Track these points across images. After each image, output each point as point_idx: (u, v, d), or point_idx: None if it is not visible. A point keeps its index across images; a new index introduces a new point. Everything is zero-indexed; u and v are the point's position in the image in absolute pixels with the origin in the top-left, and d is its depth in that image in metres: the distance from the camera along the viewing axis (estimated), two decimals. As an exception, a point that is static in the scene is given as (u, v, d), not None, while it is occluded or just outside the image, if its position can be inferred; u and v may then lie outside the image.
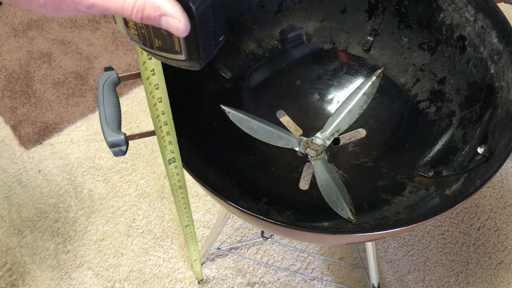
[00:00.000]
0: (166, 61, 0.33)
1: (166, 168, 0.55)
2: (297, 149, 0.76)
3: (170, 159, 0.54)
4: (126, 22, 0.31)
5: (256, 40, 0.78)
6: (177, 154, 0.53)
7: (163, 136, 0.50)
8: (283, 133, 0.76)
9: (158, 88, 0.44)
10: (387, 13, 0.75)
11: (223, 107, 0.74)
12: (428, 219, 0.51)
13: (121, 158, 1.17)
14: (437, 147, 0.69)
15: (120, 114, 0.55)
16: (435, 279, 1.01)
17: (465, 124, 0.66)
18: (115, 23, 0.32)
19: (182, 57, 0.31)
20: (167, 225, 1.07)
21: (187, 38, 0.29)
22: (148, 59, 0.41)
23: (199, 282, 1.00)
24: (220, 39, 0.32)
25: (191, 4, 0.28)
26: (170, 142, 0.51)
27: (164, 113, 0.47)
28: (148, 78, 0.43)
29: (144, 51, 0.39)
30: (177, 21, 0.28)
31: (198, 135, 0.69)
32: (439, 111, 0.71)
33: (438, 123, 0.70)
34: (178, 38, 0.30)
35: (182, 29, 0.28)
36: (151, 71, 0.42)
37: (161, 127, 0.48)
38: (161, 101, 0.45)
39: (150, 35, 0.31)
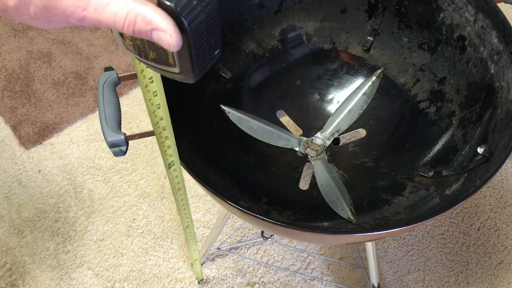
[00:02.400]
0: (161, 72, 0.32)
1: (167, 172, 0.55)
2: (297, 149, 0.76)
3: (170, 163, 0.54)
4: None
5: (256, 40, 0.78)
6: (176, 157, 0.53)
7: (163, 142, 0.50)
8: (283, 133, 0.76)
9: (156, 95, 0.44)
10: (387, 13, 0.75)
11: (223, 107, 0.74)
12: (428, 219, 0.51)
13: (121, 158, 1.17)
14: (437, 147, 0.69)
15: (120, 114, 0.55)
16: (435, 279, 1.01)
17: (465, 124, 0.66)
18: (111, 32, 0.32)
19: (176, 70, 0.31)
20: (167, 225, 1.07)
21: (180, 53, 0.29)
22: (146, 67, 0.41)
23: (199, 282, 1.00)
24: (216, 53, 0.31)
25: (183, 19, 0.27)
26: (169, 146, 0.51)
27: (162, 119, 0.47)
28: (146, 86, 0.42)
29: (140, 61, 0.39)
30: (168, 36, 0.27)
31: (198, 135, 0.69)
32: (439, 111, 0.71)
33: (438, 123, 0.70)
34: (172, 52, 0.29)
35: (174, 44, 0.27)
36: (149, 78, 0.42)
37: (160, 132, 0.48)
38: (159, 107, 0.45)
39: (145, 47, 0.30)
